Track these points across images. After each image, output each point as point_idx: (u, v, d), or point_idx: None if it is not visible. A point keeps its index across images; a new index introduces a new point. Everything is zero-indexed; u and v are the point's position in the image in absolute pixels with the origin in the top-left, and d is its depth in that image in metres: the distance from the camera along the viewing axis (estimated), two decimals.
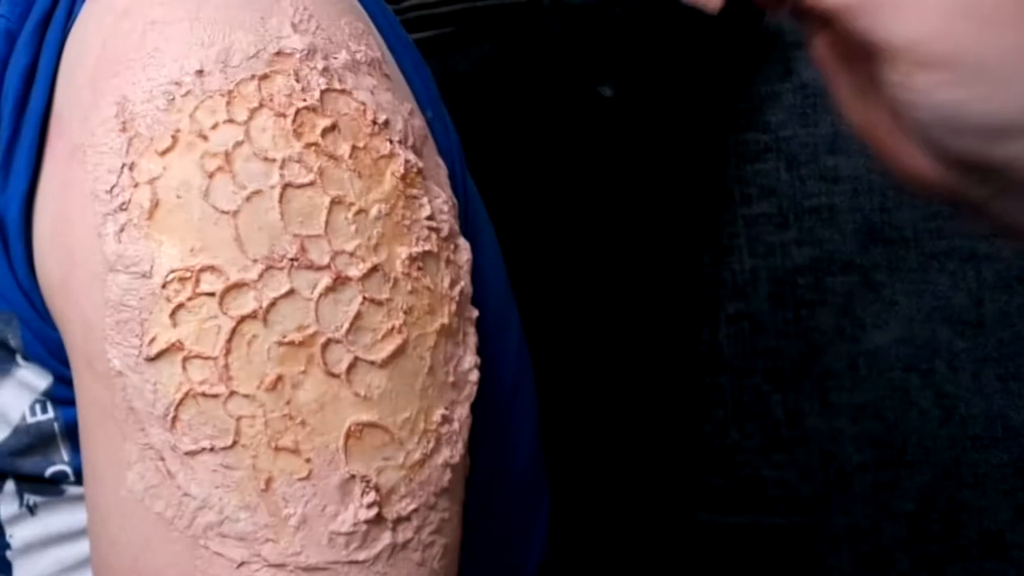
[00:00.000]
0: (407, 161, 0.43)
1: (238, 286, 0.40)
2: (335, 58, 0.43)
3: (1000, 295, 0.75)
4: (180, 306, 0.40)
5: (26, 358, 0.44)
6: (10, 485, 0.45)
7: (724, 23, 0.75)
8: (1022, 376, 0.75)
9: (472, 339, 0.45)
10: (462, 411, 0.44)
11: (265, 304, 0.40)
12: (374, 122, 0.43)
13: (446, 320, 0.43)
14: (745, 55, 0.76)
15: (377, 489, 0.41)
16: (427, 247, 0.43)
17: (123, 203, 0.40)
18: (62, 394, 0.44)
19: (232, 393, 0.40)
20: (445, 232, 0.44)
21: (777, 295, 0.77)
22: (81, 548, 0.46)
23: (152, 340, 0.40)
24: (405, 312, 0.42)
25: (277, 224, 0.40)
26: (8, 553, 0.46)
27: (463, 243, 0.45)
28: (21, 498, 0.46)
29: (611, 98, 0.74)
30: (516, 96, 0.73)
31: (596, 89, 0.74)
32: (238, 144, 0.40)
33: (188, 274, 0.40)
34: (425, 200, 0.43)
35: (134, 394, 0.40)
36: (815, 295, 0.77)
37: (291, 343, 0.40)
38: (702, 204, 0.78)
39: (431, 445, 0.42)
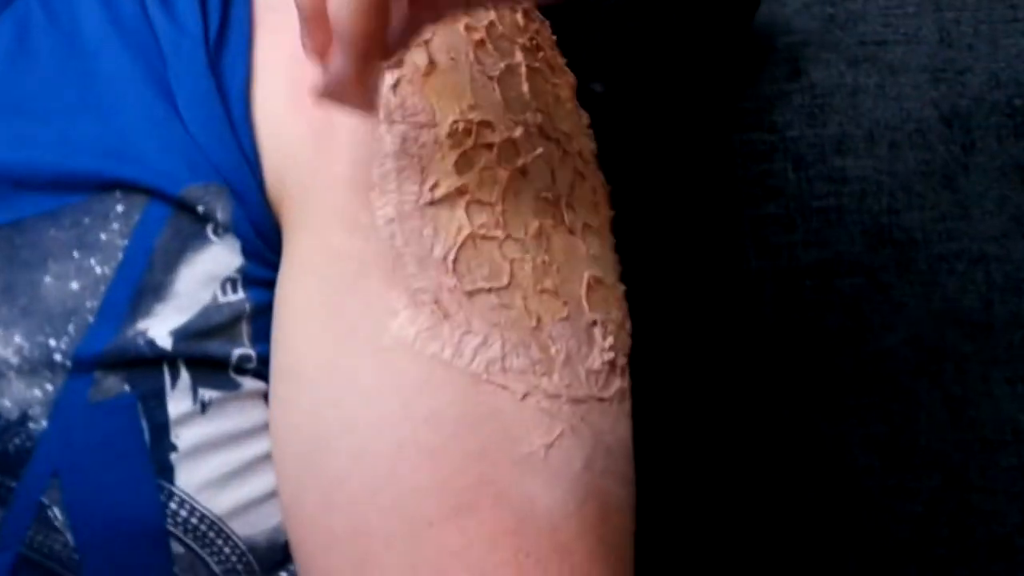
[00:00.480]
0: (572, 76, 0.49)
1: (509, 142, 0.44)
2: None
3: (1010, 297, 0.75)
4: (464, 154, 0.43)
5: (218, 232, 0.45)
6: (185, 379, 0.44)
7: (715, 17, 0.75)
8: None
9: None
10: (624, 289, 0.48)
11: (528, 161, 0.44)
12: (551, 37, 0.49)
13: (610, 211, 0.48)
14: (740, 51, 0.76)
15: (612, 335, 0.46)
16: (593, 145, 0.49)
17: (396, 61, 0.43)
18: (253, 273, 0.45)
19: (508, 237, 0.43)
20: (593, 141, 0.49)
21: (784, 297, 0.77)
22: (249, 450, 0.46)
23: (435, 185, 0.43)
24: (599, 193, 0.48)
25: (525, 95, 0.45)
26: (173, 456, 0.44)
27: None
28: (195, 394, 0.45)
29: (602, 94, 0.74)
30: None
31: (587, 86, 0.74)
32: (491, 23, 0.45)
33: (470, 126, 0.43)
34: (582, 111, 0.49)
35: (409, 239, 0.43)
36: (823, 297, 0.77)
37: (545, 199, 0.45)
38: (709, 205, 0.77)
39: (623, 312, 0.48)
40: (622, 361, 0.47)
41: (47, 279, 0.44)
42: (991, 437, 0.75)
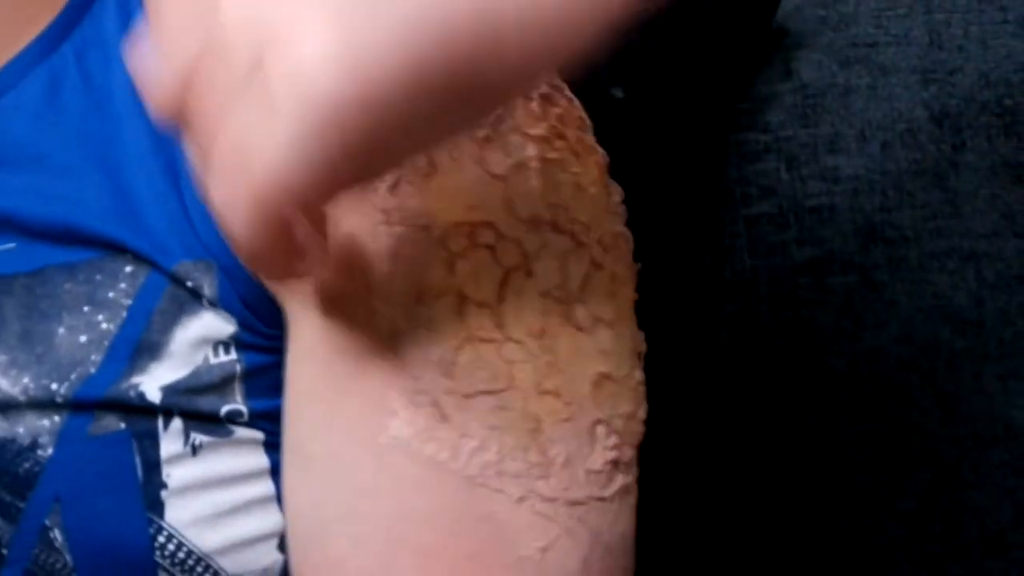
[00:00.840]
0: (603, 154, 0.48)
1: (509, 242, 0.43)
2: None
3: (1001, 294, 0.75)
4: (460, 256, 0.43)
5: (215, 305, 0.45)
6: (177, 423, 0.46)
7: (734, 22, 0.76)
8: (1023, 375, 0.75)
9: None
10: (643, 375, 0.48)
11: (531, 260, 0.43)
12: (580, 117, 0.48)
13: (634, 294, 0.48)
14: (748, 54, 0.77)
15: (616, 433, 0.45)
16: (620, 228, 0.48)
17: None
18: (247, 339, 0.46)
19: (507, 339, 0.43)
20: (625, 218, 0.48)
21: (778, 295, 0.77)
22: (240, 493, 0.47)
23: (431, 288, 0.42)
24: (617, 281, 0.47)
25: (536, 191, 0.44)
26: (163, 492, 0.47)
27: (628, 231, 0.49)
28: (187, 437, 0.47)
29: (622, 99, 0.74)
30: None
31: (608, 91, 0.75)
32: (500, 118, 0.44)
33: (468, 228, 0.43)
34: (613, 188, 0.48)
35: (407, 341, 0.42)
36: (816, 295, 0.77)
37: (551, 297, 0.44)
38: (703, 204, 0.78)
39: (636, 401, 0.47)
40: (628, 455, 0.46)
41: (61, 330, 0.47)
42: (983, 433, 0.75)
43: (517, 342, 0.43)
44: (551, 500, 0.43)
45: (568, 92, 0.47)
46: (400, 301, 0.42)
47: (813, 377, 0.77)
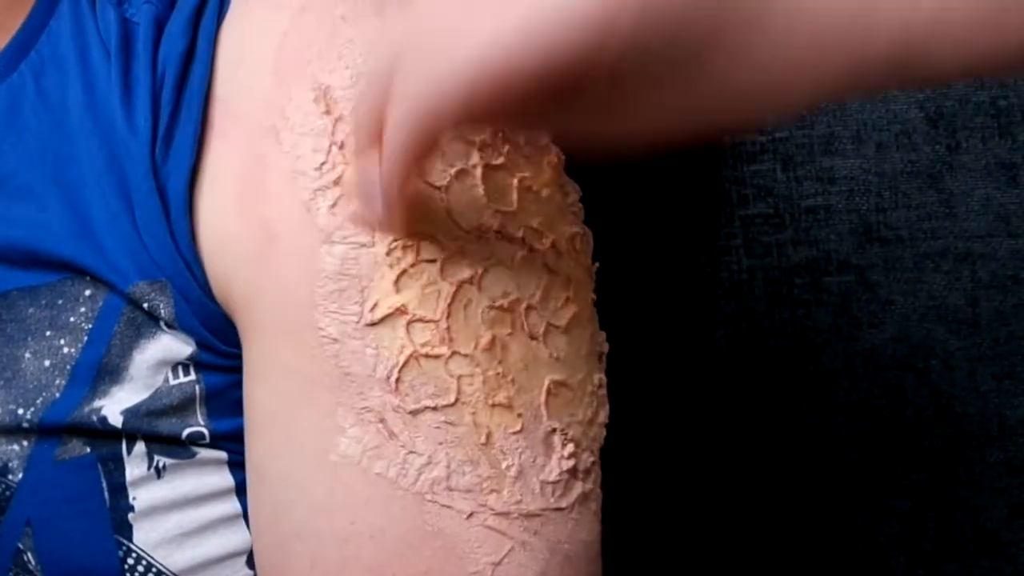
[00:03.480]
0: (557, 153, 0.47)
1: (454, 254, 0.43)
2: None
3: (995, 294, 0.75)
4: (403, 272, 0.42)
5: (172, 326, 0.45)
6: (140, 446, 0.47)
7: None
8: (1017, 375, 0.75)
9: (596, 315, 0.48)
10: (604, 377, 0.47)
11: (479, 271, 0.43)
12: None
13: (592, 295, 0.47)
14: None
15: (573, 441, 0.45)
16: (576, 229, 0.47)
17: (336, 179, 0.42)
18: (206, 360, 0.46)
19: (453, 353, 0.42)
20: (582, 217, 0.48)
21: (774, 295, 0.77)
22: (205, 512, 0.48)
23: (375, 306, 0.42)
24: (572, 285, 0.46)
25: (481, 199, 0.43)
26: (130, 516, 0.47)
27: (588, 229, 0.48)
28: (150, 459, 0.47)
29: None
30: None
31: None
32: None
33: (410, 243, 0.42)
34: (569, 188, 0.48)
35: (352, 359, 0.42)
36: (812, 295, 0.77)
37: (500, 307, 0.43)
38: (699, 205, 0.78)
39: (596, 405, 0.46)
40: (587, 462, 0.46)
41: (27, 355, 0.47)
42: (978, 432, 0.76)
43: (464, 355, 0.42)
44: (503, 514, 0.43)
45: None
46: (345, 319, 0.42)
47: (809, 377, 0.77)
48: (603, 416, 0.47)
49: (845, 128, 0.76)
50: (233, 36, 0.46)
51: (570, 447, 0.44)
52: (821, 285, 0.77)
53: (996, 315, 0.75)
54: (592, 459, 0.46)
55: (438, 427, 0.42)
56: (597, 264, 0.48)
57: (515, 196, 0.44)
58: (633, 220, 0.77)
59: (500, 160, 0.44)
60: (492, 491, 0.43)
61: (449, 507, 0.42)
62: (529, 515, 0.43)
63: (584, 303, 0.46)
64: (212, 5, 0.47)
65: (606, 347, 0.48)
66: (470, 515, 0.42)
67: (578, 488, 0.45)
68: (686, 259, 0.78)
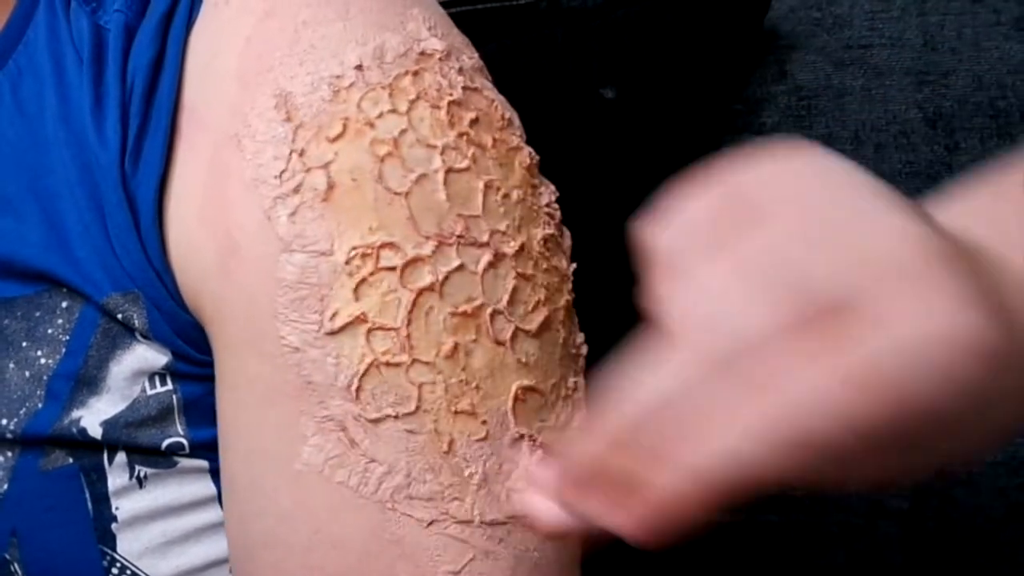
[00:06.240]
0: (530, 153, 0.47)
1: (415, 261, 0.42)
2: (464, 60, 0.46)
3: None
4: (363, 281, 0.42)
5: (146, 337, 0.45)
6: (121, 457, 0.47)
7: (724, 23, 0.76)
8: None
9: (576, 317, 0.48)
10: (581, 380, 0.47)
11: (440, 278, 0.42)
12: (503, 117, 0.46)
13: (568, 297, 0.47)
14: (741, 55, 0.77)
15: (542, 447, 0.44)
16: (550, 230, 0.46)
17: (296, 186, 0.42)
18: (182, 369, 0.46)
19: (414, 361, 0.42)
20: (557, 218, 0.47)
21: None
22: (188, 521, 0.48)
23: (334, 315, 0.42)
24: (545, 288, 0.45)
25: (443, 204, 0.43)
26: (114, 526, 0.47)
27: (566, 230, 0.48)
28: (132, 469, 0.47)
29: (613, 100, 0.75)
30: (520, 97, 0.74)
31: (599, 91, 0.75)
32: (403, 132, 0.43)
33: (369, 251, 0.42)
34: (543, 189, 0.47)
35: (313, 368, 0.42)
36: None
37: (463, 314, 0.43)
38: None
39: (570, 409, 0.46)
40: None
41: (11, 366, 0.47)
42: None
43: (426, 363, 0.42)
44: (465, 522, 0.43)
45: (491, 92, 0.46)
46: (305, 328, 0.42)
47: None
48: (579, 419, 0.46)
49: (844, 128, 0.76)
50: (202, 42, 0.46)
51: (539, 453, 0.44)
52: None
53: None
54: None
55: (399, 435, 0.42)
56: (575, 265, 0.48)
57: (480, 199, 0.44)
58: (632, 220, 0.77)
59: (464, 164, 0.44)
60: (454, 499, 0.42)
61: (410, 515, 0.42)
62: (493, 523, 0.43)
63: (557, 306, 0.46)
64: (182, 11, 0.47)
65: (584, 349, 0.47)
66: (431, 523, 0.42)
67: None
68: None
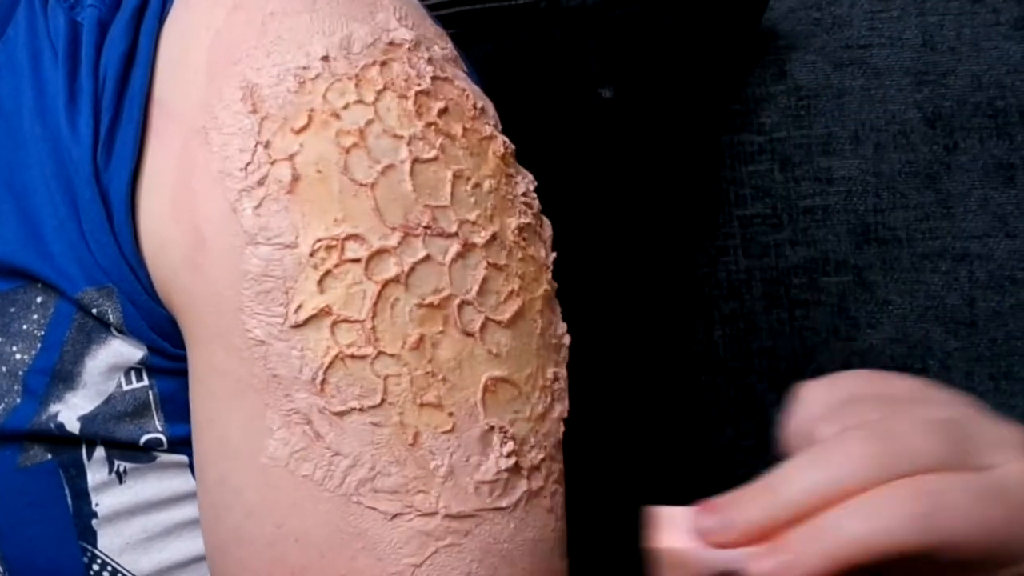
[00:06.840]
0: (504, 142, 0.46)
1: (380, 253, 0.42)
2: (434, 50, 0.46)
3: (993, 295, 0.75)
4: (327, 273, 0.42)
5: (121, 331, 0.45)
6: (100, 452, 0.47)
7: (721, 25, 0.76)
8: (1014, 375, 0.75)
9: (558, 307, 0.47)
10: (562, 371, 0.46)
11: (406, 269, 0.42)
12: (475, 106, 0.46)
13: (547, 287, 0.46)
14: (739, 56, 0.77)
15: (514, 439, 0.44)
16: (526, 220, 0.46)
17: (261, 179, 0.42)
18: (158, 364, 0.46)
19: (379, 354, 0.42)
20: (536, 208, 0.47)
21: (772, 295, 0.78)
22: (168, 516, 0.48)
23: (299, 307, 0.42)
24: (519, 277, 0.45)
25: (410, 195, 0.42)
26: (94, 522, 0.47)
27: (546, 219, 0.47)
28: (111, 465, 0.47)
29: (611, 99, 0.75)
30: (517, 97, 0.74)
31: (596, 91, 0.75)
32: (369, 122, 0.43)
33: (334, 242, 0.42)
34: (519, 178, 0.46)
35: (278, 361, 0.42)
36: (809, 295, 0.77)
37: (430, 305, 0.42)
38: (697, 205, 0.78)
39: (549, 400, 0.45)
40: (534, 459, 0.44)
41: None
42: None
43: (391, 355, 0.42)
44: (430, 515, 0.42)
45: (463, 81, 0.46)
46: (271, 321, 0.42)
47: (807, 377, 0.77)
48: (559, 410, 0.46)
49: (843, 128, 0.76)
50: (173, 36, 0.46)
51: (510, 445, 0.43)
52: (819, 285, 0.77)
53: (993, 315, 0.75)
54: (541, 456, 0.45)
55: (364, 428, 0.42)
56: (555, 254, 0.47)
57: (449, 189, 0.43)
58: (630, 220, 0.77)
59: (432, 153, 0.43)
60: (419, 492, 0.42)
61: (374, 508, 0.42)
62: (460, 516, 0.43)
63: (534, 295, 0.45)
64: (154, 5, 0.47)
65: (567, 340, 0.47)
66: (394, 516, 0.42)
67: (522, 487, 0.44)
68: (684, 259, 0.79)
